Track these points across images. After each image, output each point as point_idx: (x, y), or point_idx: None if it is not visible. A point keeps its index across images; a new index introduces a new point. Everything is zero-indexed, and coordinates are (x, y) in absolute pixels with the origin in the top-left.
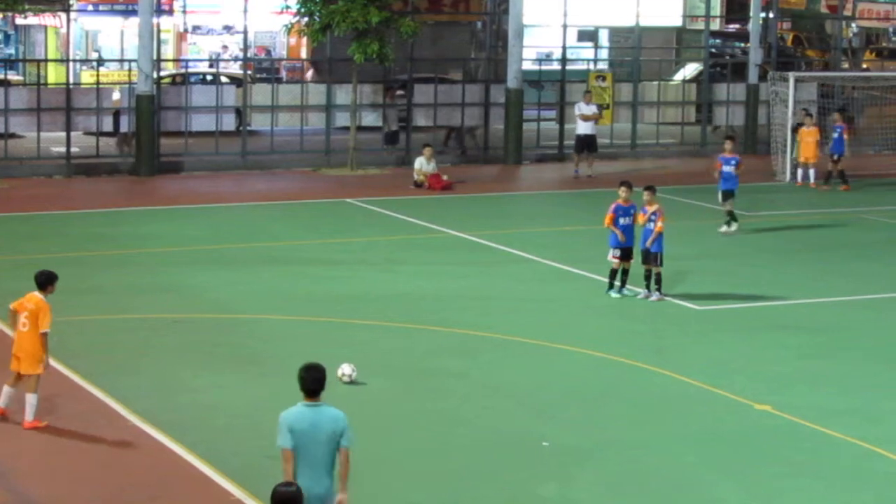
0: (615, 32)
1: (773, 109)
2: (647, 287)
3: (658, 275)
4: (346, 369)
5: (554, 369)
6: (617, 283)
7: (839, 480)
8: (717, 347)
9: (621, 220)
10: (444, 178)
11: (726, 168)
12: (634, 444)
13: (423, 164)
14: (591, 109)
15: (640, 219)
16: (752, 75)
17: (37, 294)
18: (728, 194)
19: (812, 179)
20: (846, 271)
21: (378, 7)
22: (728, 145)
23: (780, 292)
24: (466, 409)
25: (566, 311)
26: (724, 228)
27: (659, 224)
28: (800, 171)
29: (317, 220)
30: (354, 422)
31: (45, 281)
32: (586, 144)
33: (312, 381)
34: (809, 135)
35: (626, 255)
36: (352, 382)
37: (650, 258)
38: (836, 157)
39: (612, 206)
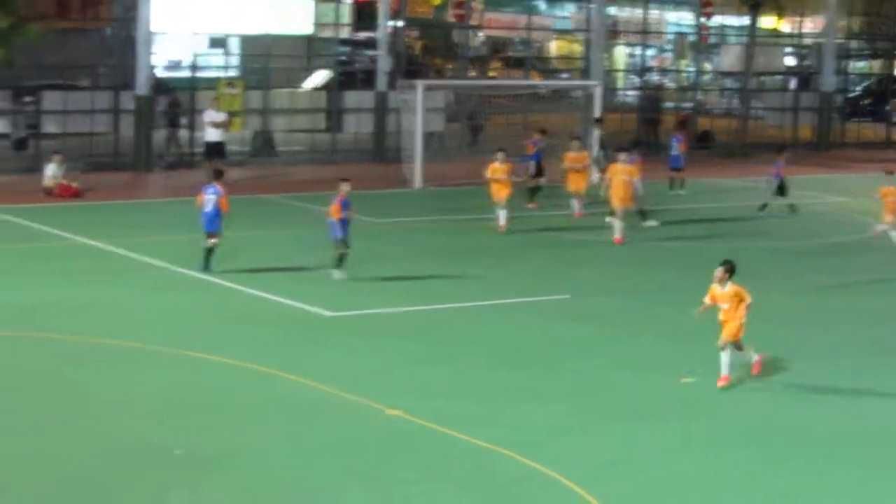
0: (245, 40)
1: (402, 117)
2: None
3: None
4: None
5: (183, 377)
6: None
7: (468, 482)
8: (348, 353)
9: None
10: (74, 185)
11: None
12: (264, 451)
13: (53, 171)
14: (221, 116)
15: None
16: (381, 83)
17: None
18: None
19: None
20: (470, 276)
21: (4, 13)
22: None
23: (406, 299)
24: (91, 418)
25: (197, 318)
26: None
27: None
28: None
29: None
30: None
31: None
32: (216, 151)
33: None
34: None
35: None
36: None
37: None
38: None
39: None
